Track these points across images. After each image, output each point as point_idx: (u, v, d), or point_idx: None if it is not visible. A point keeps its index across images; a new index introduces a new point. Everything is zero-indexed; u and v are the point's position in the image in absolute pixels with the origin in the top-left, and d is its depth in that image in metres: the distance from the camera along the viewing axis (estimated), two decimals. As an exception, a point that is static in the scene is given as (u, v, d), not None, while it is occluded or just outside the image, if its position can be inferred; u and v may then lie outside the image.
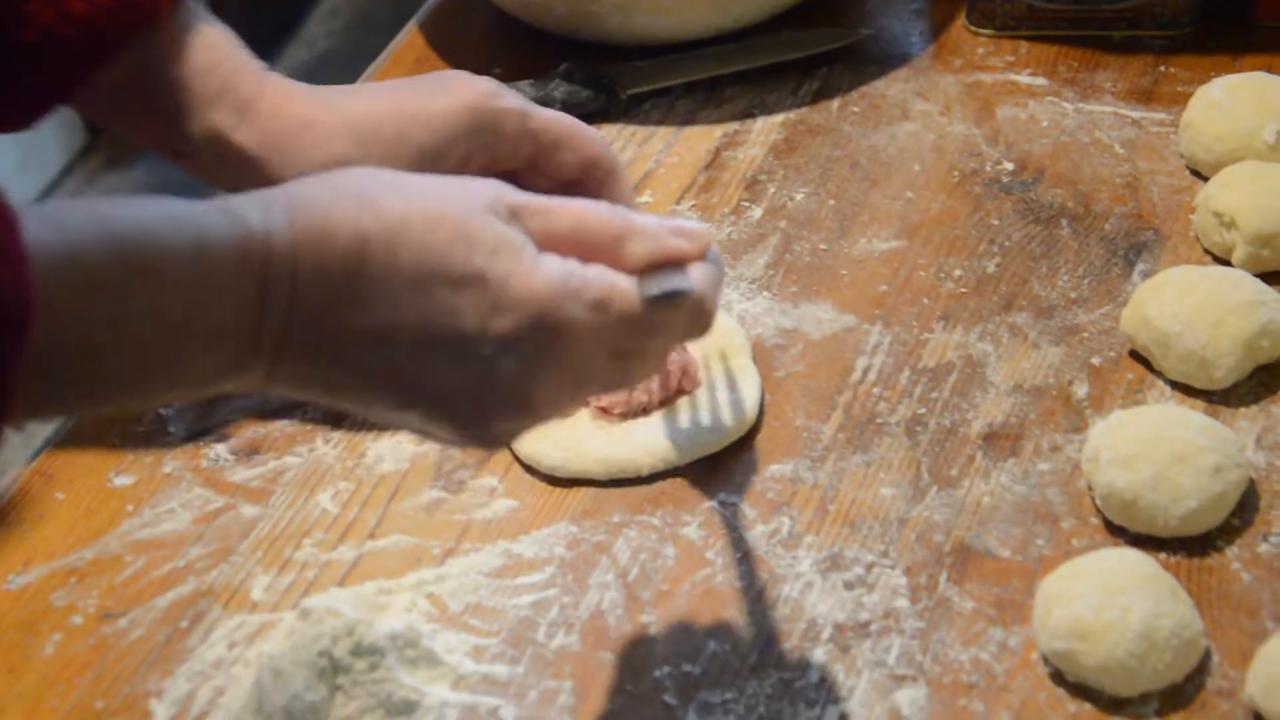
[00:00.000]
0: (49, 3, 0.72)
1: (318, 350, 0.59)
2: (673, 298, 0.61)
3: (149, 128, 0.77)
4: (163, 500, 0.79)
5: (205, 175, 0.78)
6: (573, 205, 0.62)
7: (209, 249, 0.56)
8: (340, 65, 2.21)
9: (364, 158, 0.75)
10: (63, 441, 0.82)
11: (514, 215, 0.61)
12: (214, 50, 0.76)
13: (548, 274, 0.60)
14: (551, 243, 0.61)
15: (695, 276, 0.62)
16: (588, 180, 0.78)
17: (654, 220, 0.63)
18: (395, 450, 0.80)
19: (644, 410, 0.80)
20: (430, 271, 0.59)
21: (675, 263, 0.62)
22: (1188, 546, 0.72)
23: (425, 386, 0.59)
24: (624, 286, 0.61)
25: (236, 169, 0.76)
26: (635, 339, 0.62)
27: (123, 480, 0.80)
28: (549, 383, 0.61)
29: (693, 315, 0.63)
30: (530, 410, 0.61)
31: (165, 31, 0.75)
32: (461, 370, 0.59)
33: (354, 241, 0.58)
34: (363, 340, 0.58)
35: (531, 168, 0.78)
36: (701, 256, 0.63)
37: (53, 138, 2.12)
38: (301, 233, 0.58)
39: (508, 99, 0.77)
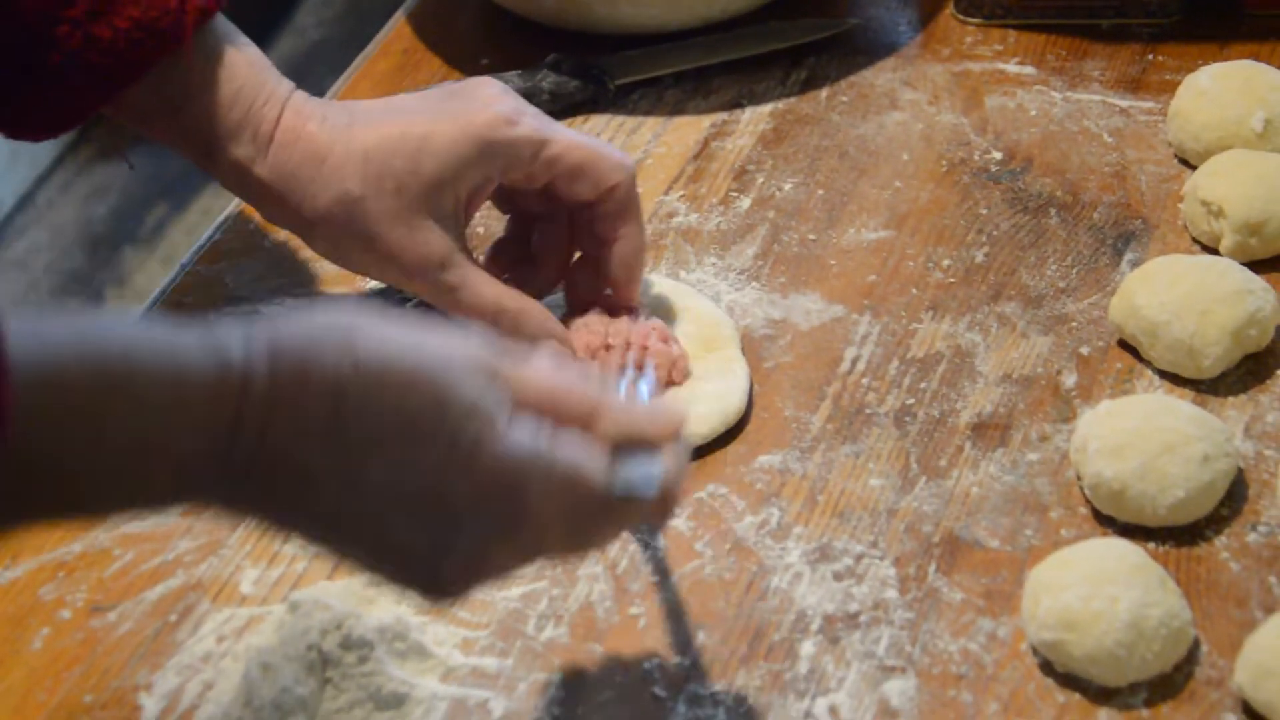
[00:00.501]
0: (77, 28, 0.74)
1: (279, 490, 0.59)
2: (634, 494, 0.61)
3: (180, 150, 0.80)
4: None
5: (240, 196, 0.82)
6: (549, 374, 0.62)
7: (186, 380, 0.56)
8: (332, 54, 2.20)
9: (376, 192, 0.77)
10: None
11: (491, 376, 0.60)
12: (237, 76, 0.78)
13: (518, 446, 0.60)
14: (526, 404, 0.61)
15: (664, 470, 0.62)
16: (602, 207, 0.78)
17: (624, 404, 0.63)
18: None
19: (633, 402, 0.79)
20: (401, 431, 0.59)
21: (645, 445, 0.62)
22: (1176, 536, 0.72)
23: (381, 539, 0.60)
24: (591, 472, 0.61)
25: (259, 195, 0.79)
26: (595, 520, 0.62)
27: (111, 474, 0.79)
28: (505, 550, 0.61)
29: (657, 505, 0.63)
30: (482, 573, 0.62)
31: (190, 57, 0.76)
32: (420, 528, 0.60)
33: (331, 392, 0.58)
34: (328, 487, 0.59)
35: (547, 192, 0.79)
36: (671, 438, 0.63)
37: (41, 129, 2.11)
38: (280, 375, 0.57)
39: (523, 126, 0.77)
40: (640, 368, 0.78)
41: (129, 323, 0.58)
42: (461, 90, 0.79)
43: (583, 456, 0.61)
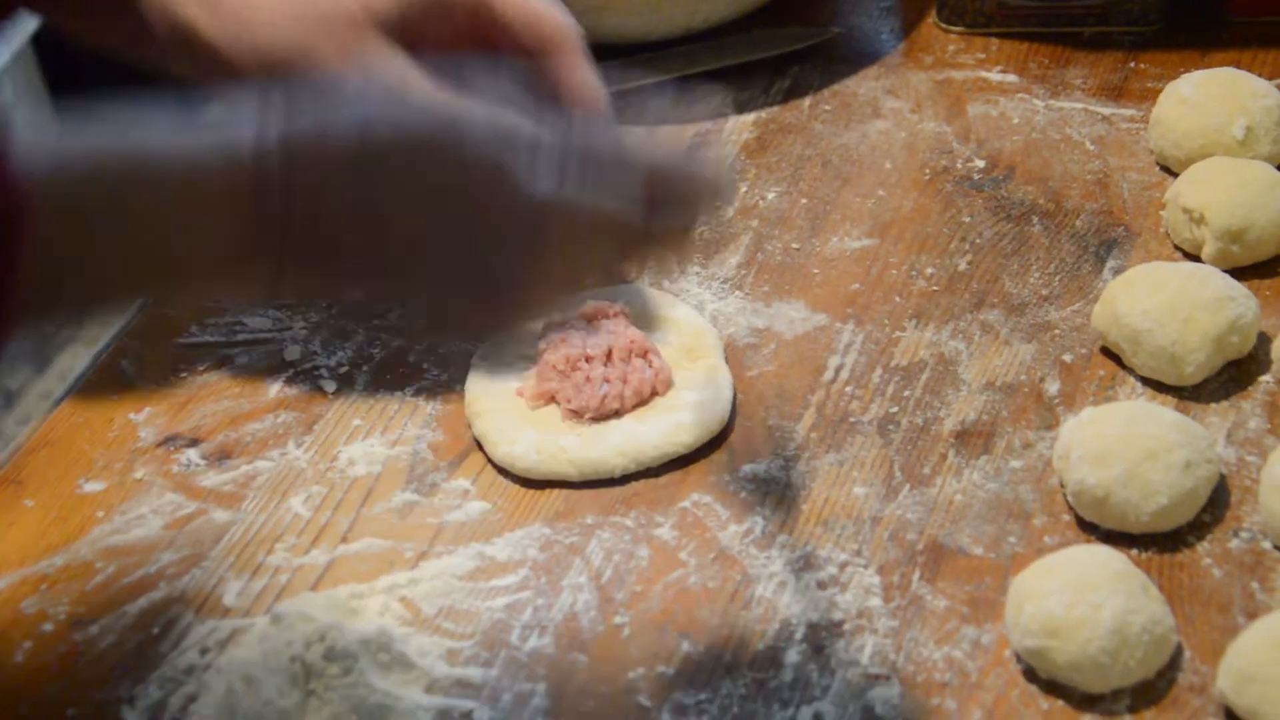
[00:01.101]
0: None
1: (313, 248, 0.60)
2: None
3: (111, 23, 0.76)
4: (134, 506, 0.78)
5: (169, 67, 0.77)
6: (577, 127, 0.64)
7: (199, 122, 0.58)
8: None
9: (325, 29, 0.74)
10: (33, 447, 0.81)
11: (510, 130, 0.62)
12: None
13: (539, 179, 0.61)
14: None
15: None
16: (548, 59, 0.77)
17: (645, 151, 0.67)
18: (367, 453, 0.80)
19: (616, 413, 0.79)
20: (423, 168, 0.60)
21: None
22: (1159, 543, 0.73)
23: (423, 274, 0.61)
24: (612, 202, 0.63)
25: (203, 59, 0.76)
26: (618, 245, 0.64)
27: (93, 486, 0.79)
28: (543, 266, 0.62)
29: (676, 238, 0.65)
30: (533, 278, 0.62)
31: None
32: (463, 250, 0.61)
33: (351, 135, 0.59)
34: (361, 232, 0.59)
35: (491, 43, 0.77)
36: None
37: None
38: (296, 131, 0.59)
39: None
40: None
41: (135, 116, 0.59)
42: None
43: (605, 191, 0.63)
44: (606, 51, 0.99)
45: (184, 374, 0.85)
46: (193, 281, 0.59)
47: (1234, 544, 0.72)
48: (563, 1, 0.96)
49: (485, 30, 0.76)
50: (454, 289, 0.62)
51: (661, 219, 0.64)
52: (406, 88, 0.63)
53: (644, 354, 0.80)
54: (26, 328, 0.56)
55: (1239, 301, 0.78)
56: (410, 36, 0.75)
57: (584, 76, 0.77)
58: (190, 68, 0.76)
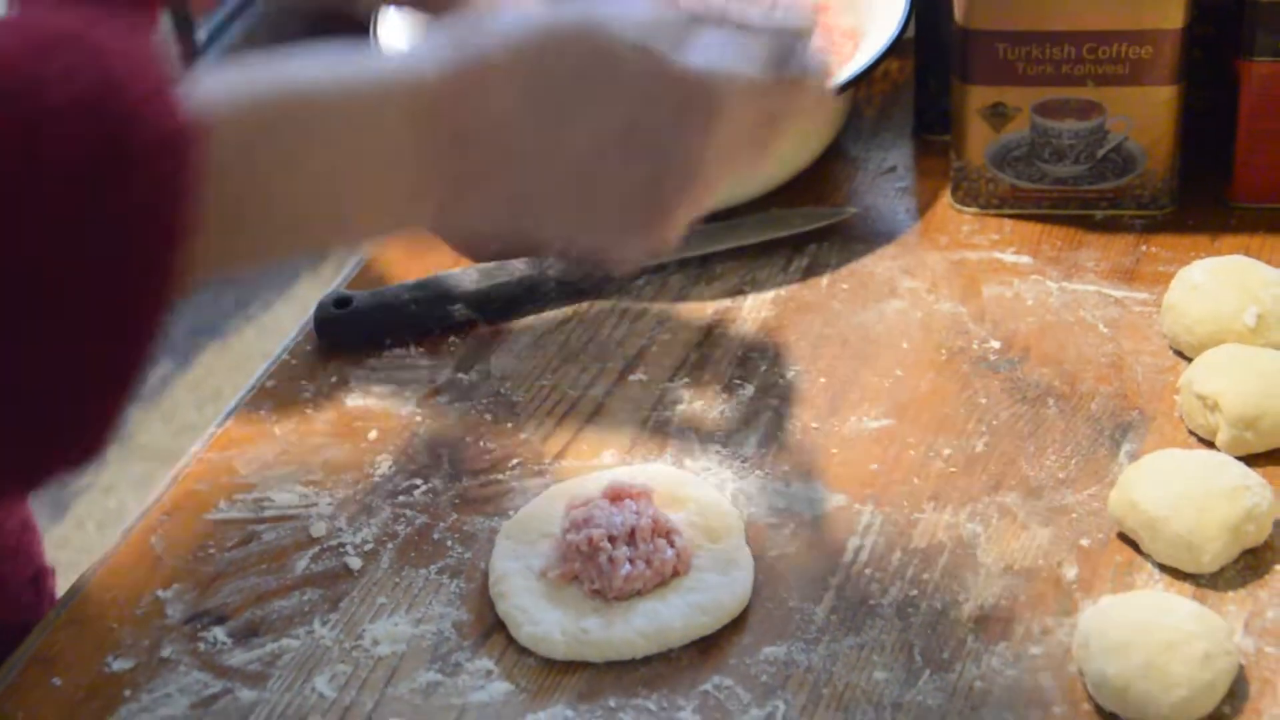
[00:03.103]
0: None
1: (489, 162, 0.62)
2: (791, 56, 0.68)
3: None
4: (160, 685, 0.79)
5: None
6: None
7: (367, 62, 0.60)
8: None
9: None
10: (61, 625, 0.82)
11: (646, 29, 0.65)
12: None
13: (694, 57, 0.65)
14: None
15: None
16: None
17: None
18: (392, 632, 0.81)
19: (638, 592, 0.80)
20: (590, 76, 0.63)
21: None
22: (1179, 734, 0.73)
23: (600, 178, 0.63)
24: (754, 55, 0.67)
25: None
26: (773, 104, 0.68)
27: (120, 664, 0.80)
28: (712, 158, 0.65)
29: (814, 82, 0.69)
30: (700, 183, 0.65)
31: None
32: (633, 161, 0.63)
33: (515, 48, 0.62)
34: (536, 142, 0.62)
35: None
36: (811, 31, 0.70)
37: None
38: (463, 51, 0.61)
39: None
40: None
41: (306, 54, 0.61)
42: None
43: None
44: (629, 231, 1.02)
45: (212, 550, 0.86)
46: (366, 217, 0.61)
47: (1254, 737, 0.73)
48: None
49: None
50: (627, 198, 0.64)
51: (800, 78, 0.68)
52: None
53: (666, 534, 0.82)
54: (209, 270, 0.57)
55: (1254, 490, 0.79)
56: None
57: None
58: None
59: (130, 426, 2.00)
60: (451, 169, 0.61)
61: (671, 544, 0.81)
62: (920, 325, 0.95)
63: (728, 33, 0.66)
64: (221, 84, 0.57)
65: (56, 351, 0.53)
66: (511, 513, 0.85)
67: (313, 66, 0.60)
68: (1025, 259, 0.99)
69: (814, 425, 0.90)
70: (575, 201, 0.64)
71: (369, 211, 0.62)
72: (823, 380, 0.93)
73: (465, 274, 0.99)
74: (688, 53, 0.64)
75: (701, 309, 0.98)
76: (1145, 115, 0.97)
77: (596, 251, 0.66)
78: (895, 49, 1.02)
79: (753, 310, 0.97)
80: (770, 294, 0.98)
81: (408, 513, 0.87)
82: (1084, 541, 0.82)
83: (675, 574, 0.81)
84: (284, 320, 2.21)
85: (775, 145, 0.70)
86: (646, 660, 0.79)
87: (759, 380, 0.93)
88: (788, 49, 0.68)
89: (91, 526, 2.07)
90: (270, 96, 0.58)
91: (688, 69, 0.64)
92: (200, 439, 0.92)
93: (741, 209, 1.02)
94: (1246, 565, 0.80)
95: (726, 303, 0.98)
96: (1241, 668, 0.75)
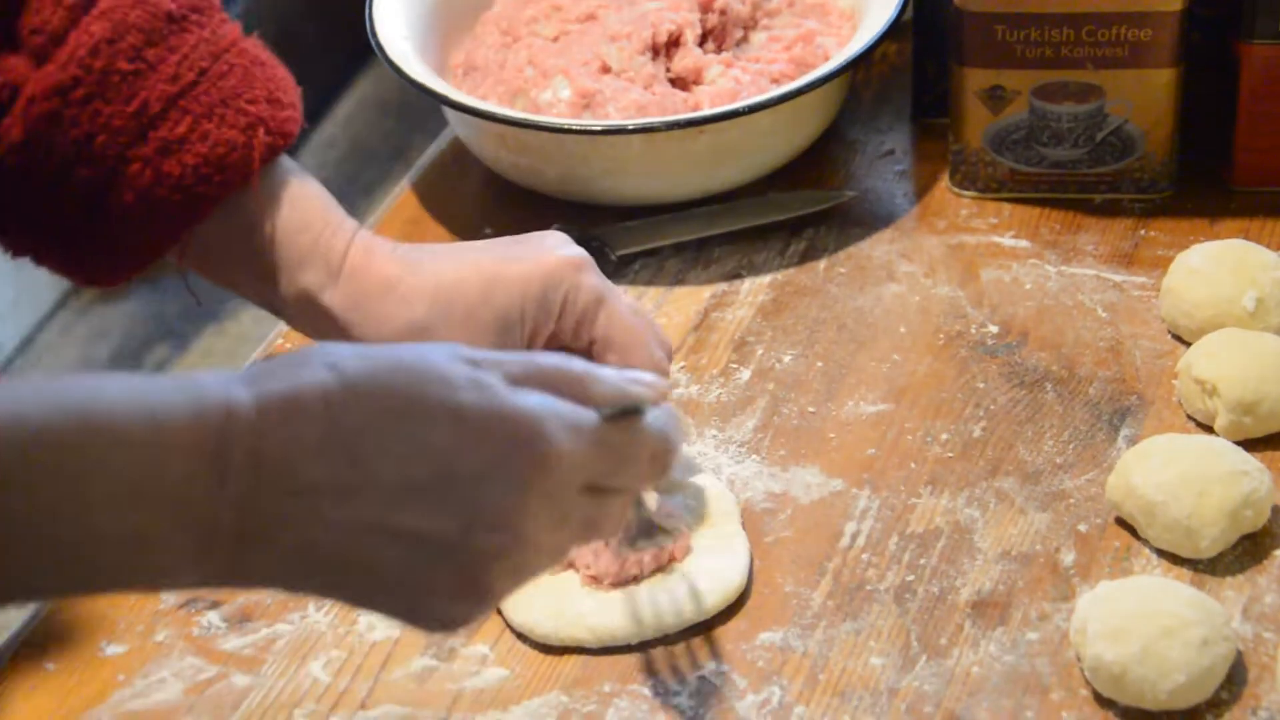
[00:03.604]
0: (147, 165, 0.75)
1: (287, 514, 0.57)
2: (631, 413, 0.62)
3: (245, 284, 0.79)
4: (154, 669, 0.79)
5: (298, 329, 0.80)
6: (529, 356, 0.63)
7: (161, 409, 0.55)
8: (335, 196, 2.23)
9: (444, 321, 0.77)
10: (55, 610, 0.82)
11: (474, 364, 0.60)
12: (304, 209, 0.78)
13: (526, 397, 0.60)
14: (515, 380, 0.61)
15: (653, 407, 0.63)
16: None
17: (612, 370, 0.65)
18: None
19: (634, 579, 0.80)
20: (406, 418, 0.58)
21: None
22: (1177, 720, 0.73)
23: (406, 534, 0.57)
24: (590, 414, 0.61)
25: (326, 328, 0.78)
26: (606, 465, 0.61)
27: (114, 649, 0.80)
28: (532, 516, 0.59)
29: (656, 449, 0.63)
30: (519, 545, 0.59)
31: (257, 190, 0.77)
32: (444, 510, 0.58)
33: (321, 396, 0.57)
34: (336, 497, 0.57)
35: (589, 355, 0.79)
36: (658, 401, 0.64)
37: (45, 272, 2.14)
38: (264, 393, 0.57)
39: (590, 274, 0.78)
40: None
41: (100, 374, 0.58)
42: (530, 238, 0.80)
43: (579, 408, 0.61)
44: (626, 212, 1.01)
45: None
46: (141, 563, 0.56)
47: (1252, 723, 0.73)
48: (584, 164, 0.99)
49: (586, 339, 0.78)
50: (433, 564, 0.58)
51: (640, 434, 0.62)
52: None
53: (668, 515, 0.81)
54: None
55: (1253, 475, 0.79)
56: (531, 334, 0.77)
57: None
58: (314, 332, 0.79)
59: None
60: (240, 516, 0.56)
61: (669, 530, 0.81)
62: (918, 309, 0.95)
63: (569, 379, 0.62)
64: (5, 398, 0.54)
65: None
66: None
67: (105, 382, 0.56)
68: (1023, 243, 0.98)
69: (811, 409, 0.90)
70: (371, 559, 0.57)
71: (146, 554, 0.56)
72: (819, 364, 0.92)
73: (461, 257, 0.98)
74: (518, 394, 0.60)
75: (698, 293, 0.98)
76: (1144, 98, 0.97)
77: (402, 617, 0.59)
78: (893, 31, 1.01)
79: (749, 294, 0.97)
80: (767, 278, 0.98)
81: (403, 497, 0.86)
82: (1082, 527, 0.82)
83: (672, 559, 0.81)
84: (281, 304, 2.20)
85: (605, 524, 0.63)
86: (642, 646, 0.78)
87: (755, 364, 0.92)
88: (632, 403, 0.62)
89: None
90: (51, 416, 0.54)
91: (515, 407, 0.59)
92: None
93: (738, 192, 1.02)
94: (1245, 550, 0.80)
95: (723, 286, 0.98)
96: (1240, 653, 0.75)
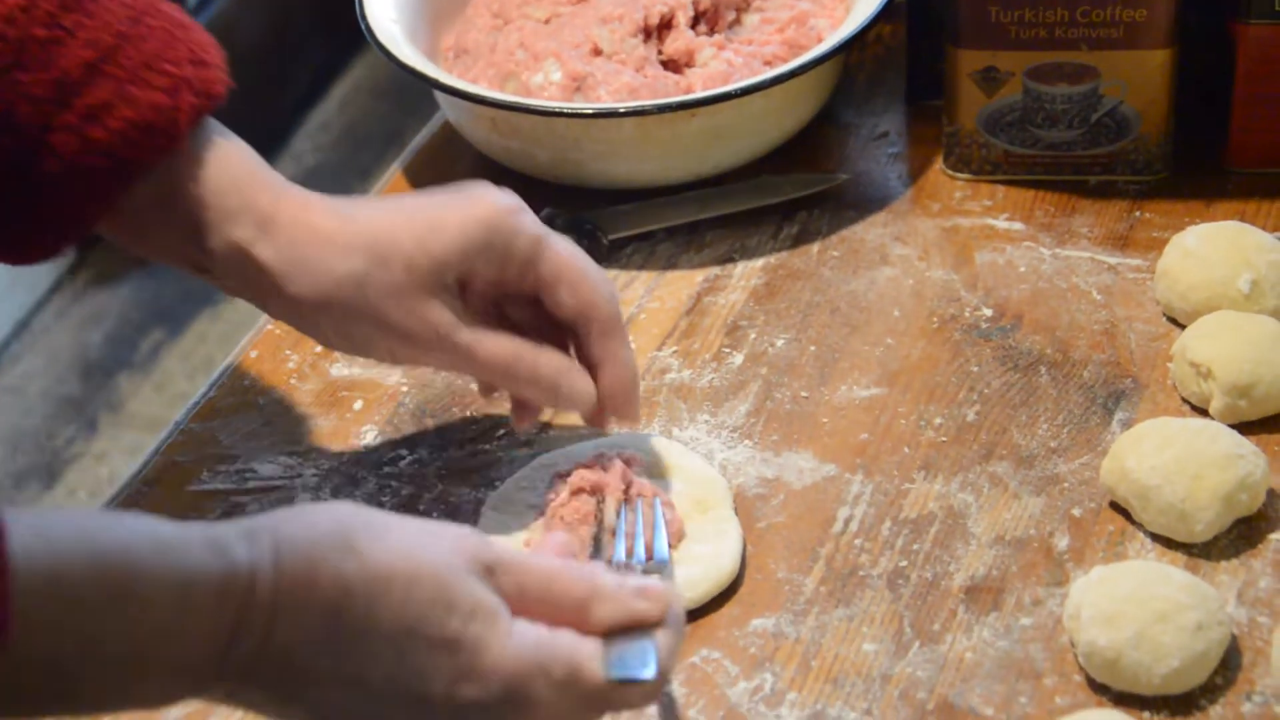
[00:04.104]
0: (72, 133, 0.73)
1: (284, 687, 0.60)
2: (637, 675, 0.63)
3: (171, 245, 0.78)
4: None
5: (228, 289, 0.79)
6: (543, 565, 0.64)
7: (191, 583, 0.58)
8: (328, 180, 2.22)
9: (383, 270, 0.76)
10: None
11: (489, 572, 0.62)
12: (232, 166, 0.77)
13: (520, 646, 0.62)
14: (522, 600, 0.63)
15: (659, 646, 0.64)
16: (582, 327, 0.79)
17: (616, 582, 0.65)
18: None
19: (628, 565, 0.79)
20: (408, 630, 0.60)
21: (639, 626, 0.64)
22: (1171, 705, 0.72)
23: None
24: (589, 665, 0.63)
25: (257, 283, 0.77)
26: (591, 710, 0.64)
27: None
28: None
29: (648, 691, 0.65)
30: None
31: (185, 151, 0.76)
32: None
33: (336, 592, 0.59)
34: (330, 685, 0.60)
35: (534, 299, 0.80)
36: (663, 618, 0.65)
37: (39, 257, 2.13)
38: (285, 576, 0.59)
39: (527, 219, 0.79)
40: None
41: (134, 523, 0.59)
42: (465, 187, 0.80)
43: (580, 652, 0.62)
44: (618, 196, 1.01)
45: (195, 521, 0.85)
46: (155, 688, 0.59)
47: (1247, 708, 0.72)
48: (575, 147, 0.98)
49: (534, 285, 0.79)
50: None
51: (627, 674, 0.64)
52: (383, 530, 0.62)
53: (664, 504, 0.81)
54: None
55: (1248, 459, 0.78)
56: (464, 278, 0.78)
57: (617, 353, 0.79)
58: (244, 289, 0.78)
59: (122, 395, 1.98)
60: (234, 688, 0.60)
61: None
62: (911, 293, 0.94)
63: (573, 603, 0.63)
64: (33, 542, 0.55)
65: None
66: (498, 483, 0.85)
67: (132, 544, 0.58)
68: (1018, 225, 0.98)
69: (804, 394, 0.89)
70: None
71: (151, 699, 0.60)
72: (813, 349, 0.92)
73: (451, 242, 0.97)
74: (515, 637, 0.61)
75: (690, 277, 0.97)
76: (1139, 79, 0.96)
77: None
78: (887, 13, 1.00)
79: (742, 278, 0.96)
80: (760, 261, 0.97)
81: (393, 484, 0.86)
82: (1076, 511, 0.81)
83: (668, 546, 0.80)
84: (276, 289, 2.19)
85: None
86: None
87: (748, 349, 0.92)
88: (633, 648, 0.64)
89: (83, 494, 2.06)
90: (84, 577, 0.56)
91: (506, 660, 0.61)
92: (182, 410, 0.91)
93: (731, 175, 1.01)
94: (1239, 534, 0.79)
95: (716, 270, 0.97)
96: (1234, 638, 0.74)
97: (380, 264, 0.77)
